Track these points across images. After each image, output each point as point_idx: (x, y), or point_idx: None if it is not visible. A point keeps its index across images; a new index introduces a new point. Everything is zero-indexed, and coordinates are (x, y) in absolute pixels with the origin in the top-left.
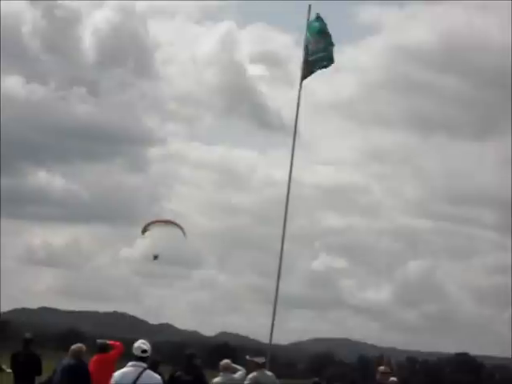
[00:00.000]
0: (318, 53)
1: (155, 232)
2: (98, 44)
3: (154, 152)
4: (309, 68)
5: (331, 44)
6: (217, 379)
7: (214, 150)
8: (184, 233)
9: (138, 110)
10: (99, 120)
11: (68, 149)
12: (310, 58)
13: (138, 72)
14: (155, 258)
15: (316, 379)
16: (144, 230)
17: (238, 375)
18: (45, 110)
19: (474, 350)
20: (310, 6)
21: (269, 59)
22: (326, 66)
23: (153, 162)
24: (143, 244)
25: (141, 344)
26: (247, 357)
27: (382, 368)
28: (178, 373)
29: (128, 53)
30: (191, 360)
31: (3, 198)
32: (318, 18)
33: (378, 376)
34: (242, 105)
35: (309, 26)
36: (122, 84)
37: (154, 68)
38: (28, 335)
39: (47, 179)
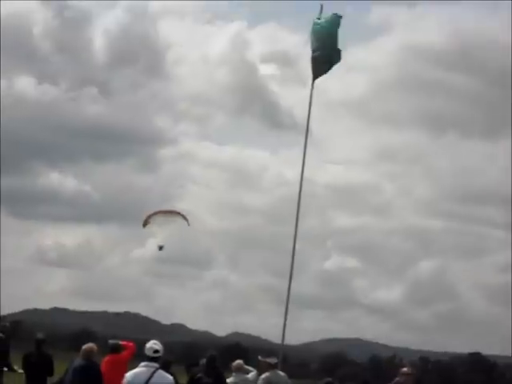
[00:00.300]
0: (324, 50)
1: (158, 224)
2: (109, 44)
3: (165, 152)
4: (317, 66)
5: (335, 45)
6: (229, 380)
7: (226, 150)
8: (187, 221)
9: (149, 110)
10: (110, 120)
11: (79, 149)
12: (315, 55)
13: (149, 72)
14: (160, 248)
15: (329, 379)
16: (145, 223)
17: (250, 376)
18: (56, 111)
19: (485, 349)
20: (321, 5)
21: (280, 58)
22: (332, 65)
23: (164, 161)
24: (152, 241)
25: (153, 344)
26: (259, 357)
27: (404, 369)
28: (199, 375)
29: (139, 53)
30: (212, 362)
31: (14, 198)
32: (327, 19)
33: (400, 377)
34: (253, 104)
35: (314, 25)
36: (133, 84)
37: (165, 68)
38: (40, 336)
39: (59, 180)
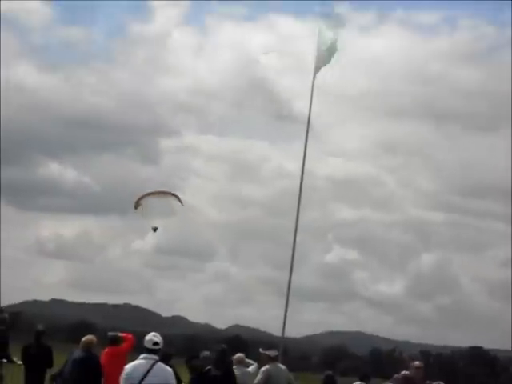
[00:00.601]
0: (328, 43)
1: (150, 205)
2: (110, 34)
3: (166, 143)
4: (322, 59)
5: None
6: None
7: (227, 142)
8: (180, 201)
9: (150, 101)
10: (111, 111)
11: (79, 140)
12: (323, 48)
13: (150, 63)
14: (155, 230)
15: (329, 372)
16: (136, 205)
17: (251, 369)
18: (56, 101)
19: (487, 344)
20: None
21: (282, 49)
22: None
23: (165, 153)
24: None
25: (152, 337)
26: (260, 350)
27: (417, 363)
28: (208, 367)
29: (140, 43)
30: (223, 355)
31: (14, 189)
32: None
33: (411, 371)
34: (254, 95)
35: (322, 17)
36: (134, 75)
37: (167, 58)
38: (40, 327)
39: (59, 171)
